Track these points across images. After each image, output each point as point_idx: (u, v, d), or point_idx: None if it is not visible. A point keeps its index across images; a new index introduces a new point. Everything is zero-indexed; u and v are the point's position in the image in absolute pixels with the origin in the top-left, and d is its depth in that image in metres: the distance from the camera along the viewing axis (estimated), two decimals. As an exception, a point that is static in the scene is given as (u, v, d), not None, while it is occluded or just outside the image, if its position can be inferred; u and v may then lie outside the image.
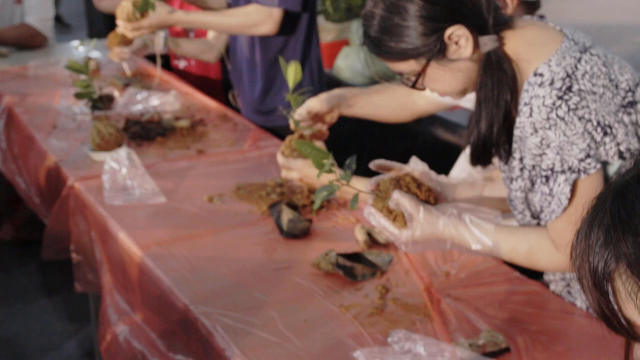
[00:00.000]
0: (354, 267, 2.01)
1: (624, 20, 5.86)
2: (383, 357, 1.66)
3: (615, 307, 0.85)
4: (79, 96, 2.98)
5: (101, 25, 6.75)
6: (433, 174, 2.00)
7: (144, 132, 3.06)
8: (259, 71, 3.20)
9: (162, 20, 3.04)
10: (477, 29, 1.72)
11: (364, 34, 1.78)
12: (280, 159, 2.27)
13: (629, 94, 1.70)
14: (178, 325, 1.98)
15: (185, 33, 3.88)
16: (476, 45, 1.72)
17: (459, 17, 1.70)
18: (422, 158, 2.19)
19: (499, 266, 2.03)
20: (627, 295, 0.83)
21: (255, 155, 2.87)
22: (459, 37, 1.70)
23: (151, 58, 3.92)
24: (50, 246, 2.83)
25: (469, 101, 2.45)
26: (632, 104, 1.70)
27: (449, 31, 1.70)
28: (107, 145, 2.82)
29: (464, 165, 2.54)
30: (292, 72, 2.20)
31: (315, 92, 3.09)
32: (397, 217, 1.83)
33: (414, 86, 1.78)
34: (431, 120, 3.69)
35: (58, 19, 9.37)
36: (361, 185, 1.96)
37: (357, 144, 3.90)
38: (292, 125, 2.26)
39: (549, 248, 1.72)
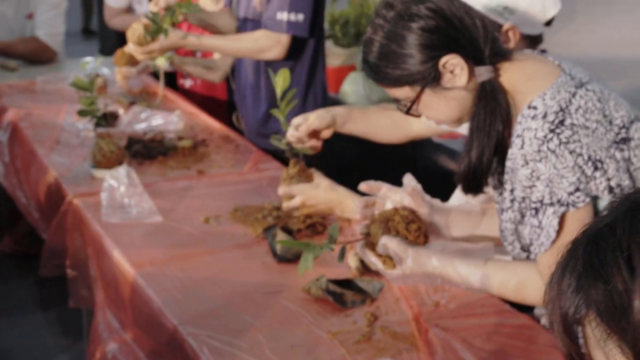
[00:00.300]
0: (344, 293, 2.01)
1: (633, 53, 5.86)
2: (367, 385, 1.66)
3: (584, 352, 0.85)
4: (82, 113, 3.00)
5: (113, 41, 6.81)
6: (426, 196, 2.01)
7: (145, 151, 3.07)
8: (262, 95, 3.22)
9: (173, 44, 3.08)
10: (473, 59, 1.74)
11: (363, 60, 1.81)
12: (281, 190, 2.29)
13: (623, 130, 1.71)
14: (166, 345, 1.98)
15: (192, 52, 3.91)
16: (472, 75, 1.74)
17: (455, 47, 1.73)
18: (423, 184, 2.20)
19: (490, 298, 2.02)
20: (596, 342, 0.84)
21: (254, 177, 2.88)
22: (454, 66, 1.73)
23: (157, 75, 3.94)
24: (47, 263, 2.83)
25: (465, 128, 2.47)
26: (625, 140, 1.71)
27: (443, 60, 1.72)
28: (108, 162, 2.84)
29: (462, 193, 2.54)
30: (280, 79, 2.22)
31: None
32: (387, 260, 1.84)
33: (408, 112, 1.80)
34: (432, 146, 3.70)
35: (87, 31, 9.45)
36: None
37: (358, 168, 3.91)
38: (284, 147, 2.30)
39: (537, 282, 1.72)
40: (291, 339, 1.87)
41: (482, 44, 1.74)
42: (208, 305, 2.02)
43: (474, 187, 1.82)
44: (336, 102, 4.35)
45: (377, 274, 2.14)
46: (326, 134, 2.36)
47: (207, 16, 3.33)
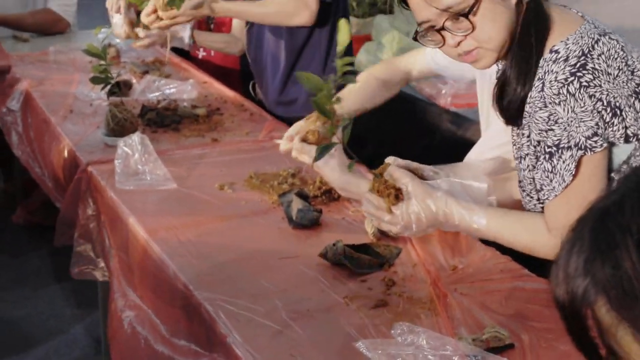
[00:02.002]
0: (361, 258, 1.99)
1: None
2: (385, 348, 1.63)
3: (593, 336, 0.83)
4: (95, 80, 2.97)
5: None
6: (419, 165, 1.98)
7: (159, 119, 3.05)
8: (282, 61, 3.18)
9: (196, 6, 3.02)
10: None
11: None
12: (297, 144, 2.19)
13: None
14: (182, 310, 1.96)
15: (206, 27, 3.86)
16: None
17: None
18: (439, 155, 2.16)
19: (508, 263, 2.00)
20: (607, 328, 0.81)
21: (269, 145, 2.85)
22: None
23: (175, 50, 3.91)
24: (63, 232, 2.82)
25: (456, 70, 2.43)
26: None
27: None
28: (122, 130, 2.82)
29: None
30: (342, 33, 2.11)
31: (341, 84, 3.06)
32: (390, 196, 1.82)
33: (468, 14, 1.67)
34: (450, 116, 3.67)
35: None
36: (364, 185, 2.00)
37: (374, 141, 3.88)
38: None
39: (547, 240, 1.71)
40: (307, 303, 1.85)
41: None
42: (223, 271, 2.00)
43: (517, 116, 1.77)
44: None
45: (393, 239, 2.13)
46: None
47: None
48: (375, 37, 4.57)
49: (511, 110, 1.77)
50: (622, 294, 0.80)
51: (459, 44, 1.72)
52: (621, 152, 1.67)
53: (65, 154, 2.87)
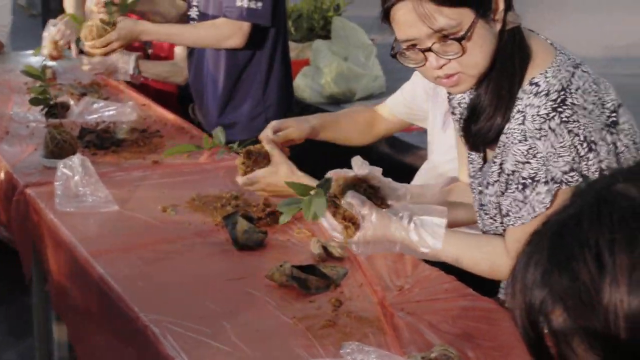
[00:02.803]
0: (308, 279, 2.00)
1: (588, 52, 5.93)
2: (335, 368, 1.64)
3: (549, 346, 0.84)
4: (34, 102, 2.94)
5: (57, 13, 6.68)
6: (380, 176, 1.97)
7: (98, 141, 3.02)
8: (221, 84, 3.19)
9: (130, 30, 3.02)
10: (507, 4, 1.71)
11: None
12: (240, 180, 2.23)
13: (613, 114, 1.71)
14: (128, 334, 1.94)
15: (143, 55, 3.84)
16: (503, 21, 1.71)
17: None
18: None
19: (453, 282, 2.02)
20: (563, 338, 0.83)
21: (211, 167, 2.84)
22: (500, 2, 1.69)
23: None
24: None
25: (423, 121, 2.48)
26: (614, 124, 1.71)
27: None
28: (61, 152, 2.78)
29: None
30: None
31: (281, 108, 3.10)
32: (348, 227, 1.81)
33: (462, 39, 1.66)
34: (386, 139, 3.71)
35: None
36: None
37: (309, 164, 3.89)
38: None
39: (502, 256, 1.73)
40: (256, 324, 1.85)
41: None
42: (169, 293, 1.99)
43: (487, 143, 1.78)
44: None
45: (339, 260, 2.14)
46: (298, 141, 2.33)
47: (152, 5, 3.30)
48: (313, 62, 4.61)
49: (482, 137, 1.77)
50: (579, 304, 0.81)
51: (442, 66, 1.71)
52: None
53: (2, 176, 2.82)
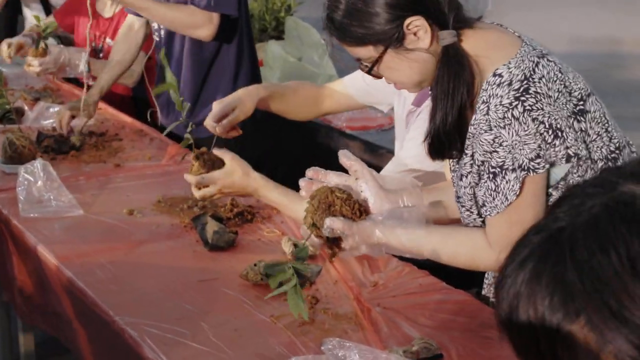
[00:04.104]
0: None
1: (554, 48, 6.02)
2: (318, 364, 1.64)
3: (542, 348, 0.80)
4: (-10, 107, 2.89)
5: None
6: (356, 190, 2.00)
7: (57, 146, 2.98)
8: (188, 82, 3.15)
9: None
10: (438, 23, 1.76)
11: (327, 18, 1.81)
12: (191, 178, 2.24)
13: (581, 102, 1.76)
14: (104, 338, 1.92)
15: (94, 54, 3.79)
16: (435, 40, 1.76)
17: (420, 9, 1.75)
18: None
19: (427, 277, 2.04)
20: (585, 352, 0.78)
21: (174, 169, 2.83)
22: (417, 28, 1.74)
23: (70, 80, 3.85)
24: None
25: (382, 104, 2.49)
26: (582, 112, 1.75)
27: (408, 20, 1.74)
28: (20, 157, 2.74)
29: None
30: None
31: None
32: (333, 249, 1.84)
33: (369, 72, 1.81)
34: (346, 138, 3.72)
35: None
36: (298, 204, 2.03)
37: (271, 161, 3.90)
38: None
39: (487, 251, 1.75)
40: (234, 323, 1.85)
41: (447, 9, 1.77)
42: (144, 295, 1.97)
43: (439, 152, 1.83)
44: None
45: (312, 258, 2.14)
46: (239, 116, 2.35)
47: None
48: (266, 62, 4.60)
49: (432, 146, 1.83)
50: (608, 316, 0.77)
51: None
52: (559, 170, 1.73)
53: (-40, 183, 2.76)
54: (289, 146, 3.84)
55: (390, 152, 3.60)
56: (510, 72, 1.72)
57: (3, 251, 2.47)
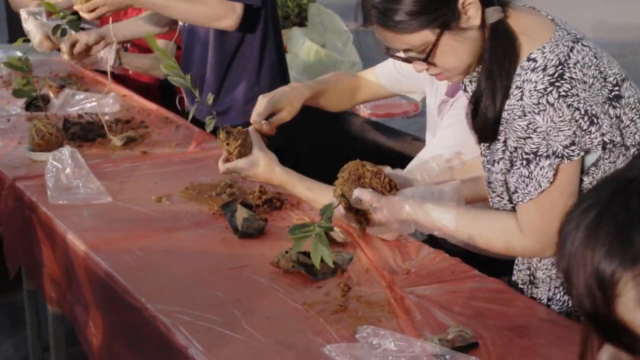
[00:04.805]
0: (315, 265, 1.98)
1: (594, 36, 5.99)
2: (353, 352, 1.63)
3: (615, 313, 0.79)
4: (17, 93, 2.89)
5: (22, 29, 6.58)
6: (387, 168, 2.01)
7: (83, 133, 2.98)
8: (212, 71, 3.14)
9: None
10: (484, 1, 1.72)
11: (367, 7, 1.73)
12: (222, 168, 2.24)
13: (616, 88, 1.73)
14: (134, 326, 1.91)
15: (123, 47, 3.78)
16: (482, 18, 1.72)
17: None
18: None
19: (459, 264, 2.02)
20: (633, 299, 0.78)
21: (201, 156, 2.82)
22: (470, 5, 1.70)
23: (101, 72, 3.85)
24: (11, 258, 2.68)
25: (415, 93, 2.46)
26: (617, 97, 1.73)
27: None
28: (47, 145, 2.74)
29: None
30: None
31: (277, 86, 3.08)
32: (362, 224, 1.83)
33: (426, 60, 1.74)
34: (371, 125, 3.70)
35: None
36: (327, 193, 2.03)
37: (295, 149, 3.88)
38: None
39: (515, 234, 1.73)
40: (266, 311, 1.83)
41: None
42: (174, 282, 1.96)
43: (491, 133, 1.79)
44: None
45: (342, 245, 2.13)
46: (281, 118, 2.32)
47: None
48: (290, 49, 4.58)
49: (485, 129, 1.79)
50: None
51: (425, 69, 1.79)
52: (592, 156, 1.71)
53: (-12, 170, 2.77)
54: (314, 134, 3.82)
55: (416, 139, 3.58)
56: (545, 56, 1.69)
57: (32, 238, 2.47)
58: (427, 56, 1.74)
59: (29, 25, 3.49)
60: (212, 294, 1.91)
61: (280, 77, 3.19)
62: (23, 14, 3.64)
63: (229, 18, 2.94)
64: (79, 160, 2.54)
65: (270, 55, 3.14)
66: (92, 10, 2.97)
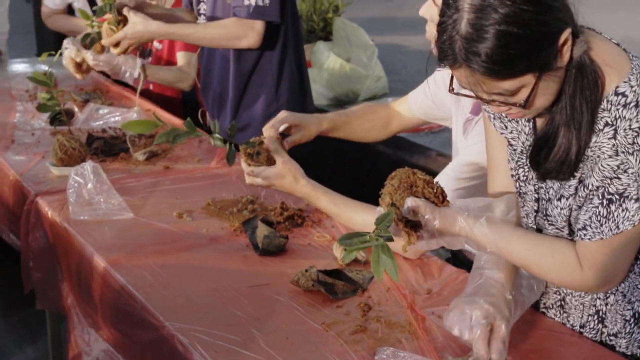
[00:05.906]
0: (335, 284, 1.96)
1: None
2: (372, 374, 1.61)
3: None
4: (42, 108, 2.89)
5: (51, 42, 6.64)
6: None
7: (107, 148, 2.98)
8: (231, 87, 3.14)
9: (139, 29, 2.98)
10: (573, 32, 1.58)
11: (467, 52, 1.53)
12: (245, 167, 2.26)
13: None
14: (152, 344, 1.90)
15: (141, 57, 3.80)
16: (571, 52, 1.58)
17: (567, 18, 1.55)
18: (384, 178, 2.12)
19: (482, 284, 1.99)
20: None
21: (223, 172, 2.81)
22: (567, 42, 1.55)
23: (123, 84, 3.87)
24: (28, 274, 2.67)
25: (444, 120, 2.44)
26: None
27: (563, 36, 1.54)
28: (70, 160, 2.74)
29: None
30: None
31: (296, 102, 3.05)
32: (411, 235, 1.68)
33: (526, 105, 1.58)
34: (395, 140, 3.68)
35: None
36: (350, 208, 2.06)
37: (318, 163, 3.87)
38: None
39: (574, 267, 1.65)
40: (285, 331, 1.81)
41: (575, 12, 1.59)
42: (194, 301, 1.95)
43: (569, 171, 1.66)
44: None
45: (363, 264, 2.10)
46: (300, 138, 2.33)
47: (169, 12, 3.26)
48: (314, 64, 4.57)
49: (563, 166, 1.66)
50: None
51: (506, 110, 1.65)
52: None
53: (11, 185, 2.77)
54: (338, 147, 3.80)
55: (441, 155, 3.55)
56: (635, 91, 1.57)
57: (53, 253, 2.47)
58: (526, 101, 1.58)
59: (68, 54, 3.53)
60: (231, 312, 1.89)
61: (301, 93, 3.18)
62: (65, 44, 3.64)
63: (249, 37, 2.96)
64: (100, 176, 2.53)
65: (289, 71, 3.13)
66: (117, 45, 3.02)
